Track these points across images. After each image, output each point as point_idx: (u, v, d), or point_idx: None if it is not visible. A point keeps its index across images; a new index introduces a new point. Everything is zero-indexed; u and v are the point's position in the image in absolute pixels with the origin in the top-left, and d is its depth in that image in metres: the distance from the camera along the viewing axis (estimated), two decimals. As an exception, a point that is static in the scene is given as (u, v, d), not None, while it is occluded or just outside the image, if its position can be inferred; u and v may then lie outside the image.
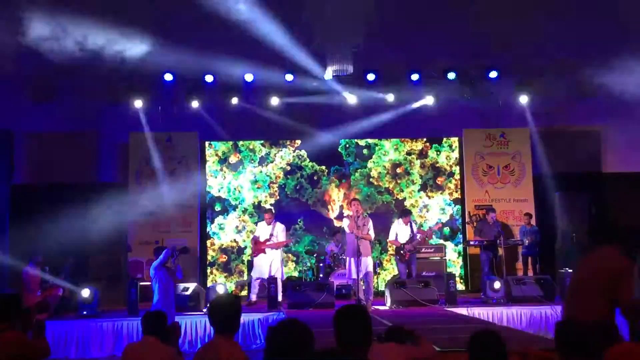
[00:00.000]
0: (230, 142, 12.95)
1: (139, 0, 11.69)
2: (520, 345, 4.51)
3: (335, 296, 9.94)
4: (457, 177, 13.02)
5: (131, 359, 4.51)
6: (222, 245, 12.77)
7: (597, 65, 12.34)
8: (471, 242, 11.34)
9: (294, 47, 11.63)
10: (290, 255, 12.72)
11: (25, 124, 11.86)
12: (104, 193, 11.98)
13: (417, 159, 13.04)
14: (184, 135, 12.54)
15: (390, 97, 12.44)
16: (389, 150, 13.04)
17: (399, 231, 10.64)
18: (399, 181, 12.98)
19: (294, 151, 12.97)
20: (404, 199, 12.91)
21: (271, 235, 10.29)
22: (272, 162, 12.95)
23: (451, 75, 12.32)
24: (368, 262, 9.55)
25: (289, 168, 12.93)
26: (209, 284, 12.15)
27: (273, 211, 11.19)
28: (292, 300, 9.71)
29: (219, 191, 12.88)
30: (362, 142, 13.05)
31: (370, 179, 12.97)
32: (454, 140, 13.09)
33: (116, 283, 11.05)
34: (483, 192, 12.63)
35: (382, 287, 11.67)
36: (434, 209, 12.95)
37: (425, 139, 13.06)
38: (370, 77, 12.26)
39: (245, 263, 12.36)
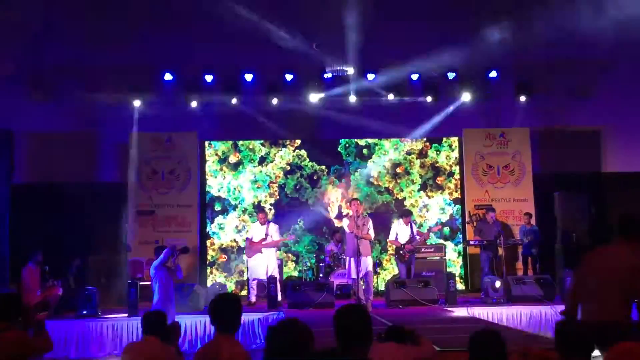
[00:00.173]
0: (230, 142, 12.95)
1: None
2: (520, 345, 4.50)
3: (335, 296, 9.95)
4: (457, 176, 13.02)
5: (131, 358, 4.50)
6: (222, 245, 12.77)
7: (597, 65, 12.36)
8: (471, 242, 11.34)
9: (294, 47, 11.64)
10: (290, 255, 12.72)
11: (25, 124, 11.85)
12: (104, 193, 11.99)
13: (417, 158, 13.04)
14: (183, 135, 12.54)
15: (390, 97, 12.44)
16: (389, 150, 13.04)
17: (399, 231, 10.65)
18: (398, 181, 12.98)
19: (293, 151, 12.96)
20: (404, 198, 12.92)
21: (266, 235, 10.31)
22: (272, 161, 12.95)
23: (451, 75, 12.33)
24: (368, 262, 9.55)
25: (288, 168, 12.93)
26: (209, 283, 12.16)
27: (266, 211, 11.21)
28: (292, 300, 9.71)
29: (219, 191, 12.88)
30: (362, 142, 13.05)
31: (370, 179, 12.97)
32: (454, 140, 13.09)
33: (116, 283, 11.04)
34: (483, 191, 12.63)
35: (381, 287, 11.68)
36: (434, 208, 12.95)
37: (425, 139, 13.06)
38: (370, 76, 12.26)
39: (245, 263, 12.35)
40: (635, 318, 4.47)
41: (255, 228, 10.53)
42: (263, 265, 10.24)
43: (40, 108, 12.29)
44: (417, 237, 10.64)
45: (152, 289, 8.06)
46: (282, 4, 11.13)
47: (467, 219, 12.52)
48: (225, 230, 12.78)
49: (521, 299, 9.64)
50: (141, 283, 10.09)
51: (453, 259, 12.73)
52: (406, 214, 10.89)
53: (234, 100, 12.32)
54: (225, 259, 12.72)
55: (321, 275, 11.40)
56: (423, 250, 11.61)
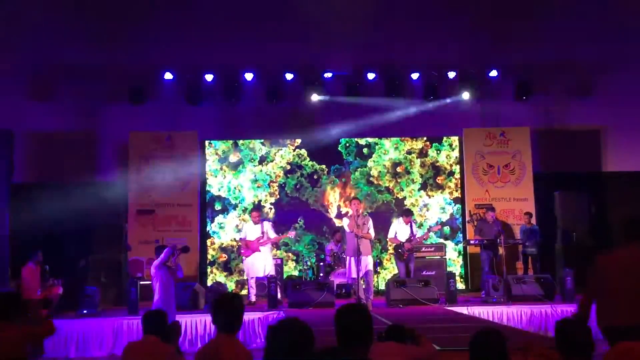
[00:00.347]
0: (230, 141, 12.95)
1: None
2: (521, 343, 4.49)
3: (335, 295, 9.95)
4: (457, 176, 13.02)
5: (131, 358, 4.51)
6: (222, 244, 12.77)
7: (597, 64, 12.36)
8: (471, 241, 11.34)
9: (294, 46, 11.65)
10: (290, 254, 12.73)
11: (24, 123, 11.85)
12: (104, 192, 11.99)
13: (417, 158, 13.04)
14: (183, 134, 12.52)
15: (390, 96, 12.44)
16: (389, 149, 13.04)
17: (399, 230, 10.66)
18: (399, 180, 12.98)
19: (294, 150, 12.96)
20: (404, 198, 12.92)
21: (262, 233, 10.34)
22: (272, 161, 12.94)
23: (451, 75, 12.33)
24: (368, 261, 9.55)
25: (289, 167, 12.93)
26: (209, 283, 12.16)
27: (260, 210, 11.23)
28: (292, 300, 9.71)
29: (219, 190, 12.88)
30: (362, 141, 13.05)
31: (370, 178, 12.97)
32: (454, 139, 13.09)
33: (116, 282, 11.04)
34: (483, 191, 12.62)
35: (382, 286, 11.68)
36: (434, 208, 12.95)
37: (425, 138, 13.06)
38: (371, 76, 12.25)
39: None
40: None
41: (250, 227, 10.54)
42: (261, 263, 10.27)
43: (40, 108, 12.29)
44: (418, 235, 10.67)
45: (152, 288, 8.06)
46: (282, 3, 11.14)
47: (467, 219, 12.51)
48: (225, 230, 12.79)
49: (521, 298, 9.63)
50: (141, 282, 10.11)
51: (453, 258, 12.73)
52: (407, 214, 10.89)
53: (234, 100, 12.31)
54: (225, 258, 12.72)
55: (321, 274, 11.40)
56: (423, 249, 11.61)
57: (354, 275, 9.34)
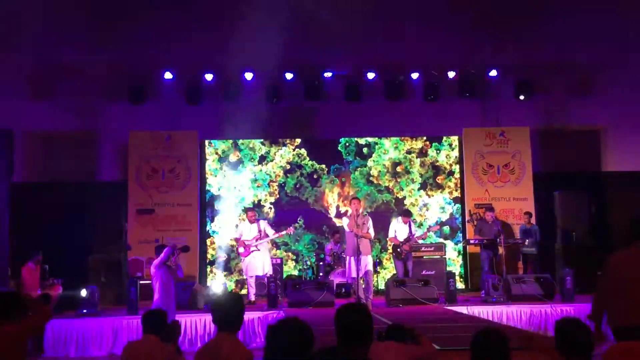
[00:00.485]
0: (230, 141, 12.95)
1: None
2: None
3: (335, 295, 9.96)
4: (457, 175, 13.02)
5: (131, 357, 4.51)
6: (222, 245, 12.77)
7: (597, 64, 12.37)
8: (471, 241, 11.34)
9: (294, 46, 11.64)
10: (290, 254, 12.73)
11: (25, 123, 11.85)
12: (104, 192, 11.99)
13: (417, 157, 13.04)
14: (183, 133, 12.53)
15: (390, 96, 12.44)
16: (389, 149, 13.04)
17: (398, 229, 10.67)
18: (398, 180, 12.98)
19: (293, 150, 12.96)
20: (404, 197, 12.92)
21: (260, 231, 10.35)
22: (272, 160, 12.95)
23: (451, 75, 12.33)
24: (368, 261, 9.55)
25: (288, 167, 12.93)
26: (209, 282, 12.16)
27: (255, 209, 11.24)
28: (292, 299, 9.71)
29: (219, 190, 12.88)
30: (362, 141, 13.05)
31: (370, 178, 12.97)
32: (454, 139, 13.09)
33: (116, 282, 11.04)
34: (483, 190, 12.62)
35: (381, 286, 11.69)
36: (434, 207, 12.95)
37: (425, 138, 13.06)
38: (370, 76, 12.24)
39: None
40: None
41: (246, 227, 10.55)
42: (260, 262, 10.30)
43: (40, 108, 12.29)
44: (416, 234, 10.70)
45: (152, 288, 8.06)
46: (282, 3, 11.13)
47: (467, 218, 12.51)
48: (225, 230, 12.78)
49: (521, 298, 9.63)
50: (141, 282, 10.11)
51: (453, 257, 12.73)
52: (406, 214, 10.89)
53: (234, 100, 12.31)
54: (225, 258, 12.72)
55: (321, 274, 11.40)
56: (423, 249, 11.61)
57: (354, 274, 9.34)
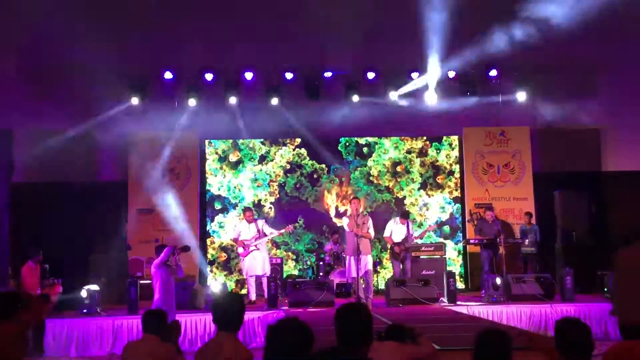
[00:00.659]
0: (230, 141, 12.95)
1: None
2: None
3: (335, 294, 9.96)
4: (457, 175, 13.02)
5: (131, 357, 4.51)
6: (222, 243, 12.77)
7: (597, 64, 12.35)
8: (471, 241, 11.35)
9: (294, 46, 11.63)
10: (290, 253, 12.73)
11: (25, 123, 11.84)
12: (104, 192, 11.98)
13: (417, 157, 13.04)
14: (183, 133, 12.52)
15: (390, 96, 12.43)
16: (389, 149, 13.04)
17: (395, 229, 10.68)
18: (398, 179, 12.98)
19: (293, 149, 12.96)
20: (404, 197, 12.92)
21: (259, 231, 10.36)
22: (272, 160, 12.95)
23: (451, 74, 12.32)
24: (368, 261, 9.56)
25: (288, 166, 12.93)
26: (209, 282, 12.16)
27: (252, 209, 11.26)
28: (292, 299, 9.72)
29: (219, 189, 12.88)
30: (362, 141, 13.05)
31: (370, 177, 12.97)
32: (454, 139, 13.09)
33: (116, 281, 11.04)
34: (483, 190, 12.63)
35: (381, 286, 11.69)
36: (434, 207, 12.95)
37: (425, 138, 13.06)
38: (370, 75, 12.24)
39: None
40: None
41: (244, 227, 10.56)
42: (259, 262, 10.32)
43: (40, 108, 12.27)
44: (414, 234, 10.73)
45: (152, 288, 8.07)
46: (283, 3, 11.13)
47: (467, 218, 12.51)
48: (225, 229, 12.78)
49: (521, 297, 9.64)
50: (141, 282, 10.11)
51: (453, 257, 12.73)
52: (404, 216, 10.88)
53: (234, 99, 12.31)
54: (225, 258, 12.73)
55: (321, 273, 11.40)
56: (423, 248, 11.61)
57: (354, 274, 9.35)
